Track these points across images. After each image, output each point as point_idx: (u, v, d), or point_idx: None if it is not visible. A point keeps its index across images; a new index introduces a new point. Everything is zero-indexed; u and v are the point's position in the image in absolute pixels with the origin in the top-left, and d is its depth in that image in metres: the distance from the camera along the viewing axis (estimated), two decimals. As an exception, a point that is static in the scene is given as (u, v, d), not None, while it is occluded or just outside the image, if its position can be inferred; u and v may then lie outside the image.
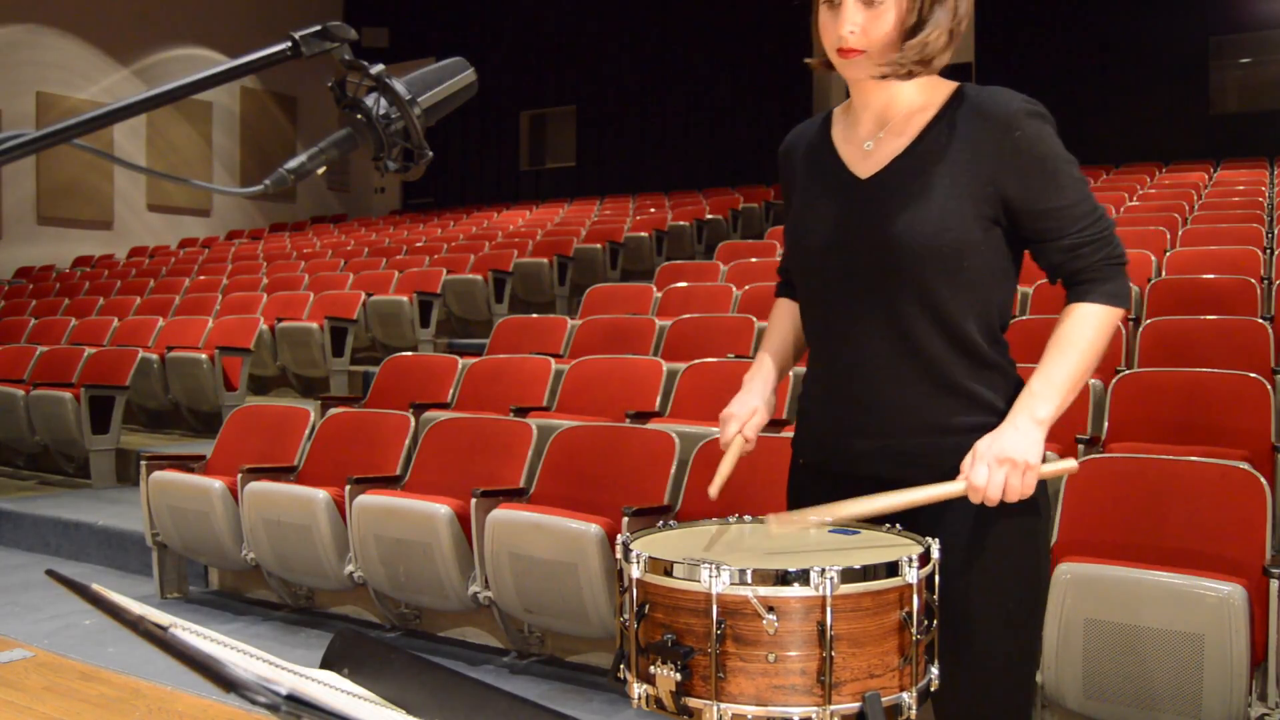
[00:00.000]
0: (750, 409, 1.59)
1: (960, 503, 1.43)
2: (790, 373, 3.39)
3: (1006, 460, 1.36)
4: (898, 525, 1.41)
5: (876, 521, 1.44)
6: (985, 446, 1.38)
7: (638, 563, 1.24)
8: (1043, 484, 1.50)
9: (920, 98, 1.49)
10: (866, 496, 1.40)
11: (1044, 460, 1.41)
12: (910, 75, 1.43)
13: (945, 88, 1.49)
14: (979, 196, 1.42)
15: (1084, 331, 1.43)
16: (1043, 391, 1.41)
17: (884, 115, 1.50)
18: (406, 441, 4.19)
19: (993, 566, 1.44)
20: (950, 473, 1.41)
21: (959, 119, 1.45)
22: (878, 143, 1.50)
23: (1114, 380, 3.74)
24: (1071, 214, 1.44)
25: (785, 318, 1.72)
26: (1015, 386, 1.50)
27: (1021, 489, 1.37)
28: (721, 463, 1.56)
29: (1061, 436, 3.28)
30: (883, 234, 1.43)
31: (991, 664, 1.46)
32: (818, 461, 1.57)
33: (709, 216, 10.36)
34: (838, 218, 1.50)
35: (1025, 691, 1.52)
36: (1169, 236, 6.40)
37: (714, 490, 1.53)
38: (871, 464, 1.48)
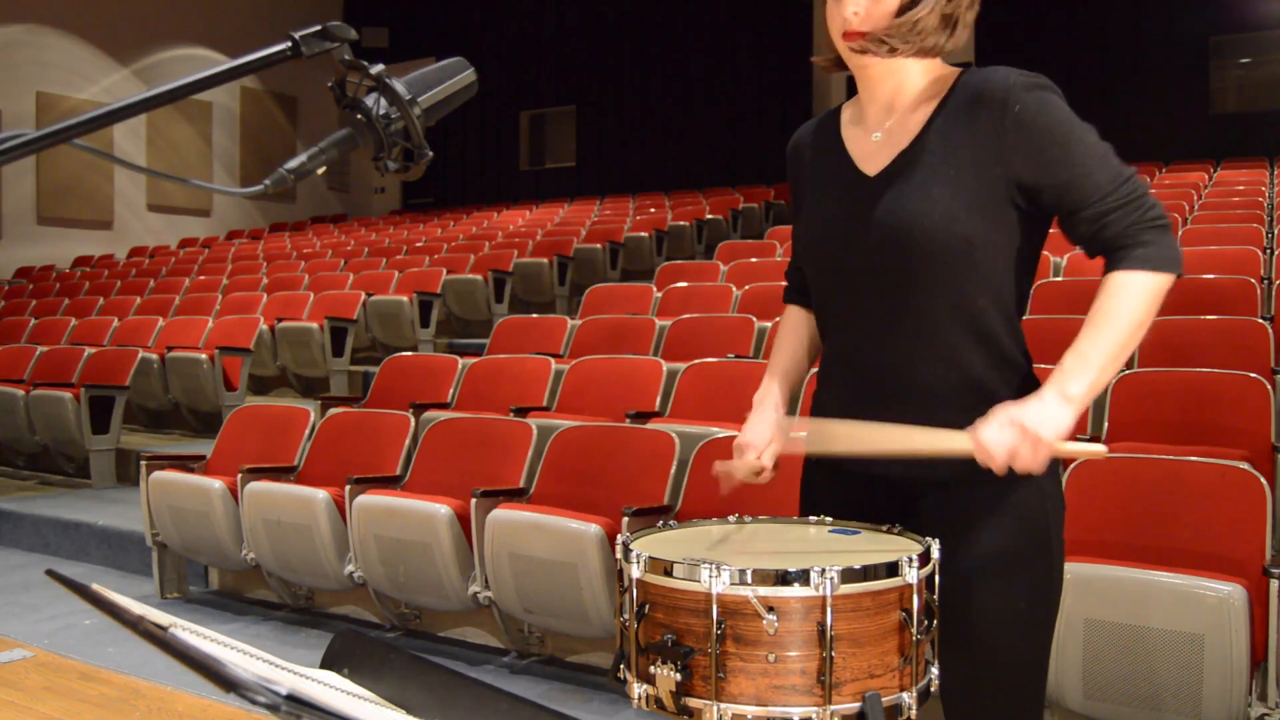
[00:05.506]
0: (765, 439, 1.55)
1: (971, 502, 1.42)
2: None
3: (1018, 425, 1.31)
4: (898, 525, 1.41)
5: (877, 521, 1.44)
6: (1004, 409, 1.34)
7: (638, 563, 1.24)
8: (1057, 482, 1.48)
9: (926, 86, 1.47)
10: (873, 426, 1.39)
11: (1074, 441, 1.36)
12: (894, 52, 1.41)
13: (949, 74, 1.48)
14: (986, 183, 1.40)
15: (1119, 302, 1.35)
16: (1074, 367, 1.34)
17: (891, 105, 1.49)
18: (406, 441, 4.19)
19: (1004, 566, 1.43)
20: (964, 471, 1.37)
21: (959, 105, 1.43)
22: (886, 134, 1.49)
23: (1114, 380, 3.74)
24: (1091, 181, 1.37)
25: (796, 327, 1.69)
26: (1027, 380, 1.47)
27: (1031, 460, 1.31)
28: (734, 471, 1.53)
29: (1061, 436, 3.28)
30: (892, 231, 1.42)
31: (1002, 664, 1.45)
32: (831, 459, 1.56)
33: (709, 216, 10.36)
34: (848, 216, 1.49)
35: (1036, 692, 1.51)
36: (1169, 236, 6.39)
37: (722, 481, 1.49)
38: (885, 462, 1.46)
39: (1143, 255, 1.36)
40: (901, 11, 1.40)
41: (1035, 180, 1.39)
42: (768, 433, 1.56)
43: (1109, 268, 1.39)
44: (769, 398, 1.61)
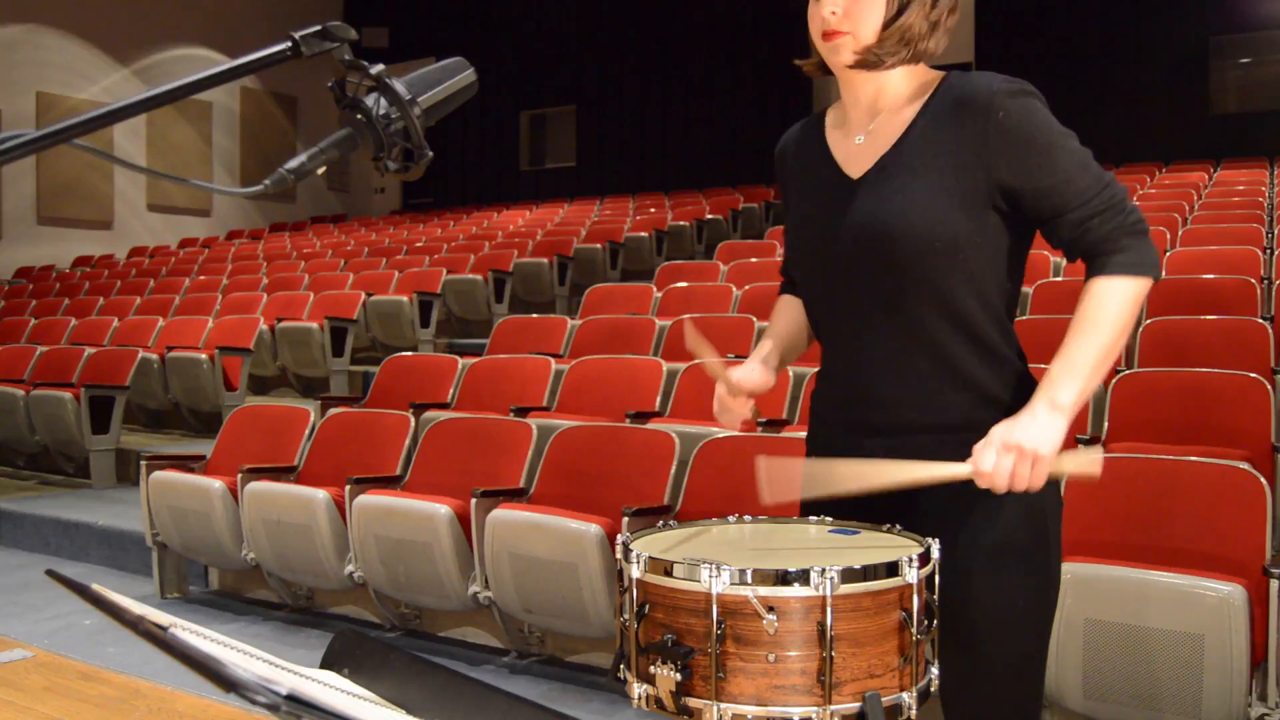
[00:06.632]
0: (752, 378, 1.61)
1: (970, 502, 1.42)
2: (790, 372, 3.38)
3: (1014, 448, 1.32)
4: (898, 525, 1.41)
5: (876, 522, 1.43)
6: (1000, 432, 1.35)
7: (638, 563, 1.24)
8: (1055, 484, 1.48)
9: (908, 89, 1.48)
10: (871, 463, 1.40)
11: (1078, 448, 1.36)
12: (890, 66, 1.43)
13: (932, 78, 1.49)
14: (970, 186, 1.40)
15: (1104, 308, 1.37)
16: (1062, 376, 1.36)
17: (874, 107, 1.50)
18: (406, 441, 4.19)
19: (1002, 563, 1.44)
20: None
21: (943, 109, 1.44)
22: (869, 136, 1.50)
23: (1114, 380, 3.74)
24: (1072, 188, 1.39)
25: (790, 308, 1.71)
26: (1021, 379, 1.48)
27: (1030, 479, 1.32)
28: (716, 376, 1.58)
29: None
30: (877, 232, 1.43)
31: (1000, 661, 1.45)
32: (830, 459, 1.57)
33: (709, 216, 10.36)
34: (833, 219, 1.49)
35: (1034, 689, 1.52)
36: (1169, 236, 6.40)
37: (693, 345, 1.53)
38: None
39: (1124, 261, 1.38)
40: (887, 20, 1.40)
41: (1017, 185, 1.40)
42: (755, 374, 1.62)
43: (1091, 273, 1.41)
44: (763, 351, 1.66)
